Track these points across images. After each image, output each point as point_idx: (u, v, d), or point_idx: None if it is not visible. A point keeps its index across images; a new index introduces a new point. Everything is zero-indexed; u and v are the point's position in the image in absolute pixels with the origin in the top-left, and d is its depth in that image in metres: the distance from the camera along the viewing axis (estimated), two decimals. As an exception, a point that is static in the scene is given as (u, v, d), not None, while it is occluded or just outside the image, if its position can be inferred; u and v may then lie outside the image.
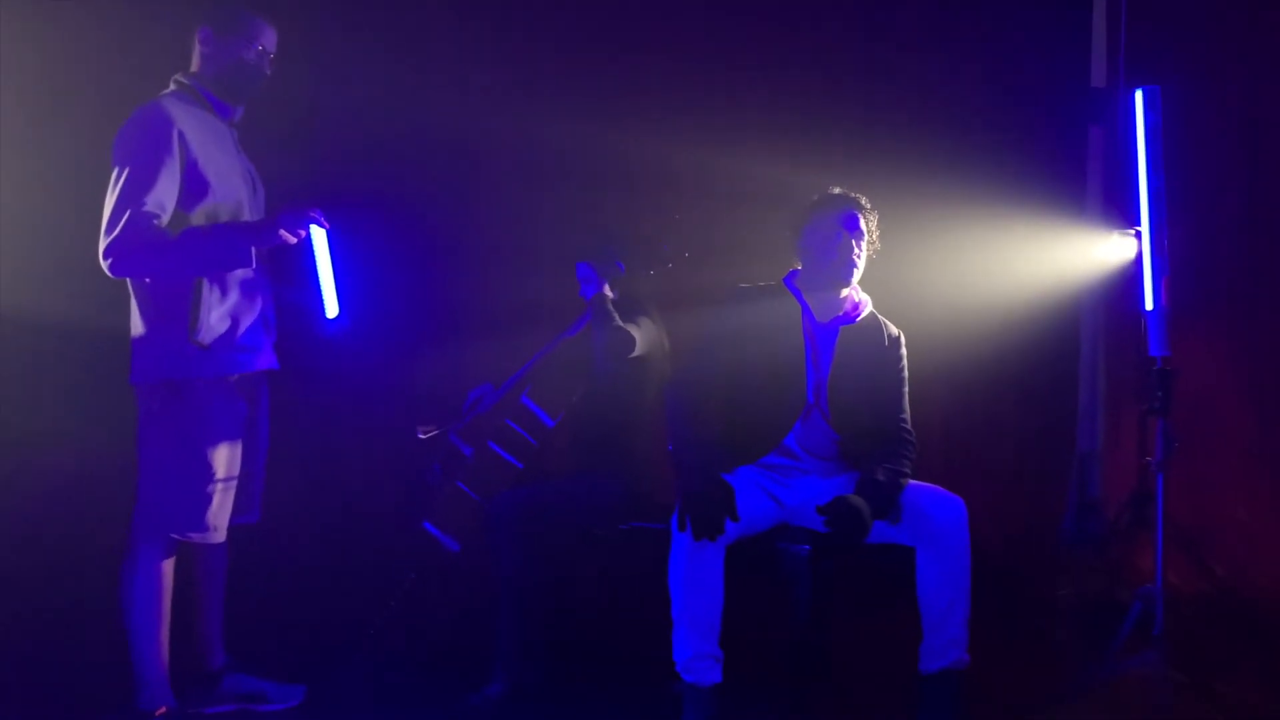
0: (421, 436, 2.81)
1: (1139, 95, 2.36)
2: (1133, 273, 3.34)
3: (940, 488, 2.52)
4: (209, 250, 2.30)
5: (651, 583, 2.45)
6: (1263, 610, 3.22)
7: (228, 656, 2.61)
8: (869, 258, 2.69)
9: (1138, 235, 3.29)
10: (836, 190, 2.70)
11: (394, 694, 2.68)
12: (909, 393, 2.72)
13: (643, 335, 2.84)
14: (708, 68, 3.37)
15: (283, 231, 2.33)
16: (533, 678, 2.63)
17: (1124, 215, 3.91)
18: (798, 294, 2.70)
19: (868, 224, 2.68)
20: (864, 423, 2.64)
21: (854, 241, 2.63)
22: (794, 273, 2.76)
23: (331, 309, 2.60)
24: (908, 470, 2.56)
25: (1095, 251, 3.71)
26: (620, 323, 2.75)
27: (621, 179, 3.15)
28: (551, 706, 2.58)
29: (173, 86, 2.44)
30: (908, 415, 2.70)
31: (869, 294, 2.76)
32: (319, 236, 2.43)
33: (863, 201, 2.69)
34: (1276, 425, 3.44)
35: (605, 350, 2.76)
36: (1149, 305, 2.41)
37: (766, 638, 2.65)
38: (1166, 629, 2.42)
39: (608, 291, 2.85)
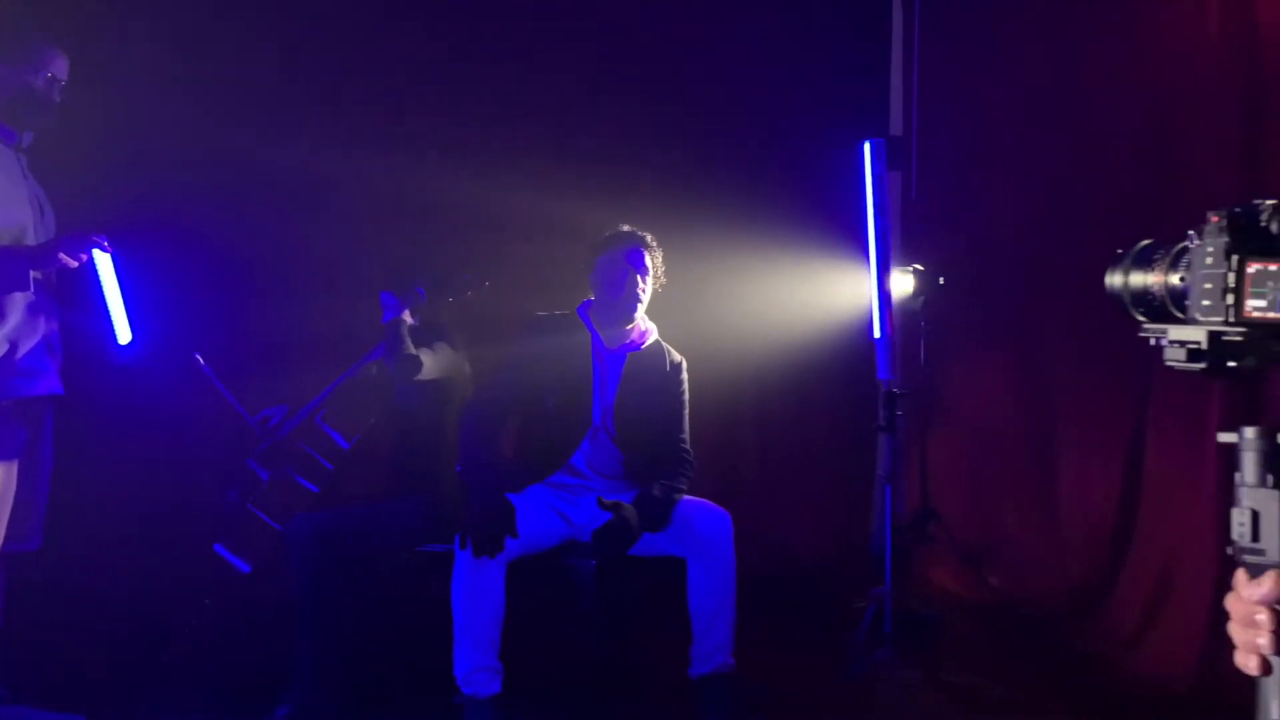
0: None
1: (866, 147, 2.63)
2: (908, 306, 3.68)
3: (709, 502, 2.71)
4: (-17, 273, 2.31)
5: (444, 602, 2.54)
6: (1030, 613, 3.54)
7: (2, 688, 2.56)
8: (655, 291, 2.88)
9: (914, 271, 3.64)
10: (626, 228, 2.89)
11: (182, 718, 2.66)
12: (690, 414, 2.91)
13: (437, 360, 2.95)
14: (510, 111, 3.56)
15: (63, 255, 2.36)
16: (322, 698, 2.66)
17: (913, 252, 4.29)
18: (588, 323, 2.87)
19: (653, 261, 2.87)
20: (646, 443, 2.82)
21: (639, 278, 2.82)
22: (587, 302, 2.93)
23: (123, 335, 2.62)
24: (683, 486, 2.74)
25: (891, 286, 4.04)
26: (410, 348, 2.85)
27: (426, 212, 3.28)
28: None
29: (-48, 110, 2.46)
30: (687, 436, 2.88)
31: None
32: (103, 261, 2.46)
33: (649, 240, 2.88)
34: (1040, 450, 3.81)
35: (395, 374, 2.86)
36: (876, 334, 2.66)
37: (554, 649, 2.77)
38: (936, 629, 2.66)
39: (407, 318, 2.95)
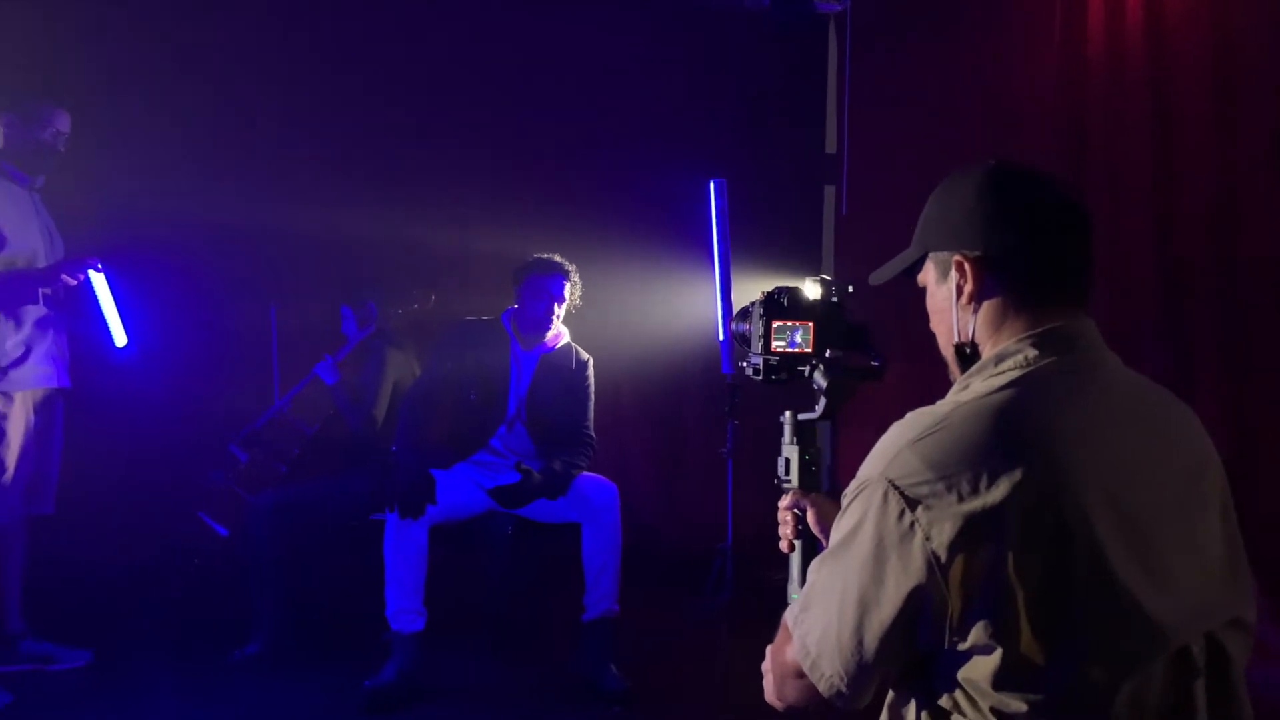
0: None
1: (712, 186, 3.13)
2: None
3: (602, 476, 3.24)
4: (2, 290, 2.89)
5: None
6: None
7: (24, 624, 3.15)
8: (569, 311, 3.37)
9: (821, 281, 4.10)
10: (555, 258, 3.33)
11: (171, 653, 3.24)
12: (595, 406, 3.42)
13: (388, 363, 3.52)
14: (453, 154, 4.11)
15: (64, 275, 2.94)
16: (282, 636, 3.24)
17: (844, 262, 4.75)
18: (509, 329, 3.39)
19: (571, 289, 3.33)
20: (554, 429, 3.33)
21: (555, 304, 3.30)
22: (510, 310, 3.45)
23: (119, 339, 3.20)
24: (582, 464, 3.26)
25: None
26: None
27: (378, 237, 3.83)
28: (295, 658, 3.19)
29: (-22, 160, 3.04)
30: (590, 422, 3.39)
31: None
32: (98, 280, 3.04)
33: (571, 273, 3.34)
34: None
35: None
36: (720, 336, 3.18)
37: (472, 598, 3.33)
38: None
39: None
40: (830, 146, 5.09)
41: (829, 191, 5.11)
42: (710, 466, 4.18)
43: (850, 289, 3.94)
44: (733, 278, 4.38)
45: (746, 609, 2.97)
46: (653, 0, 4.52)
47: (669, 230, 4.10)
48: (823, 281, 4.04)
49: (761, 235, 4.45)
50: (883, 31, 4.67)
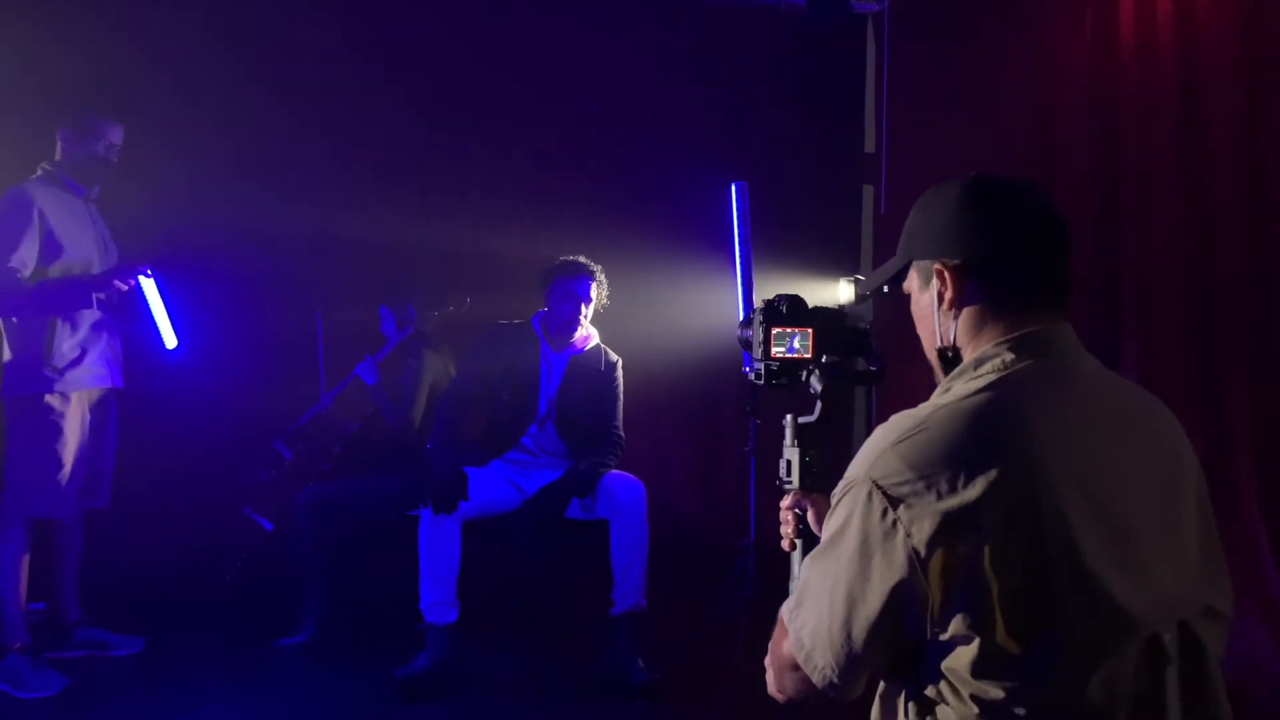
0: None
1: (734, 188, 3.19)
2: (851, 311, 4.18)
3: (629, 474, 3.31)
4: (59, 296, 3.05)
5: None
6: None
7: (81, 613, 3.32)
8: (596, 311, 3.46)
9: (855, 280, 4.13)
10: (581, 259, 3.43)
11: (220, 642, 3.39)
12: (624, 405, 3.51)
13: (425, 364, 3.63)
14: (486, 164, 4.24)
15: (116, 281, 3.09)
16: (323, 627, 3.37)
17: (883, 261, 4.75)
18: (539, 331, 3.49)
19: (597, 291, 3.42)
20: (583, 429, 3.42)
21: (583, 305, 3.39)
22: (540, 313, 3.54)
23: (170, 342, 3.34)
24: (610, 463, 3.34)
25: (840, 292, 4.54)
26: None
27: (417, 243, 3.96)
28: (334, 647, 3.32)
29: (39, 172, 3.19)
30: (619, 422, 3.47)
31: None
32: (149, 285, 3.18)
33: (597, 274, 3.43)
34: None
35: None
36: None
37: (505, 592, 3.43)
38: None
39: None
40: (869, 146, 5.13)
41: (868, 191, 5.15)
42: (734, 464, 4.25)
43: (885, 289, 4.02)
44: (772, 277, 4.44)
45: (769, 604, 3.01)
46: (689, 2, 4.60)
47: (703, 232, 4.17)
48: (857, 281, 4.08)
49: (800, 235, 4.51)
50: (920, 31, 4.69)
